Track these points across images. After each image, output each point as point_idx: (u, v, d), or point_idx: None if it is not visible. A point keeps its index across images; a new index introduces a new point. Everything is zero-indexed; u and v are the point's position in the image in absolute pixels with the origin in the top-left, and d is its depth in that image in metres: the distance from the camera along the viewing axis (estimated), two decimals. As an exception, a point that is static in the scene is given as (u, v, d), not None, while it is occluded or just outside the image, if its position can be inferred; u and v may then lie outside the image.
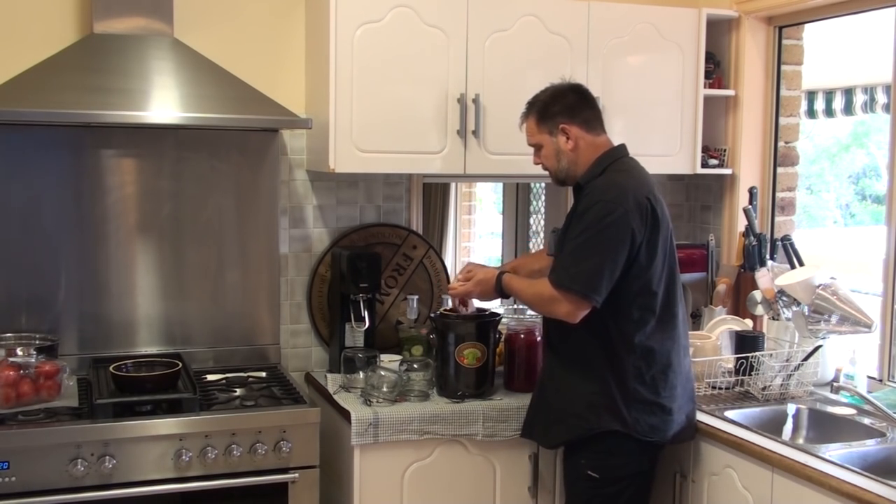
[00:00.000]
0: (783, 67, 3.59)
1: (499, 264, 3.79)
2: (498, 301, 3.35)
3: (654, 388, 2.59)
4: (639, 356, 2.57)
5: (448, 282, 3.52)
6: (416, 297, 3.33)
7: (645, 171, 2.68)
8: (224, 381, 3.03)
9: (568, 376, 2.65)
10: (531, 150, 3.18)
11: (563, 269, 2.54)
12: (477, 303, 3.02)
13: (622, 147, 2.69)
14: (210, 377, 3.07)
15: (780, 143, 3.61)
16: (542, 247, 4.09)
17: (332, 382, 3.09)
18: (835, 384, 3.04)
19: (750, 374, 2.96)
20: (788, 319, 3.12)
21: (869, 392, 2.86)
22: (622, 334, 2.56)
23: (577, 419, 2.61)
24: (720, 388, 2.98)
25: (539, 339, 3.00)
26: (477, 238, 5.13)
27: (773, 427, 2.71)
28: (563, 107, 2.64)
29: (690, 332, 3.10)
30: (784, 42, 3.58)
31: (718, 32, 3.57)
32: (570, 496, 2.75)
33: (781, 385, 2.95)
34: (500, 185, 4.61)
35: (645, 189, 2.57)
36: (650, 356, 2.58)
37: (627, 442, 2.58)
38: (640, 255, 2.52)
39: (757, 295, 3.23)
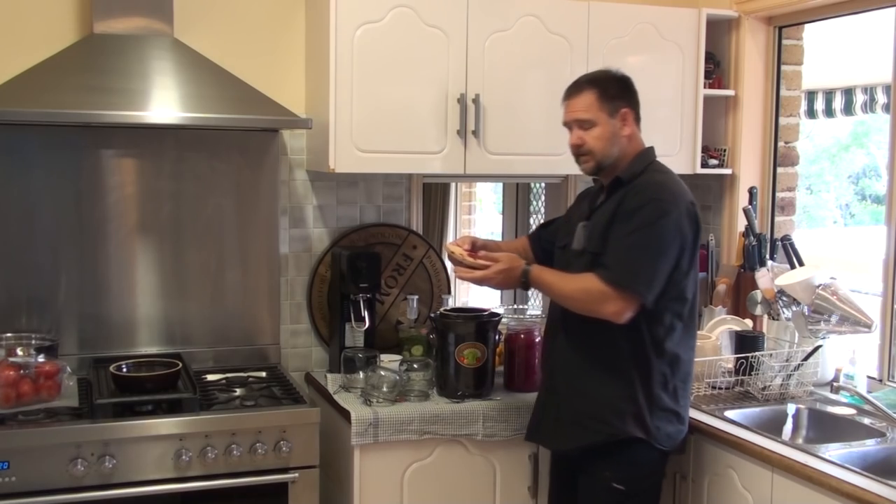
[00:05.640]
0: (783, 67, 3.59)
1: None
2: (498, 300, 3.35)
3: (675, 397, 2.54)
4: (666, 363, 2.51)
5: (448, 282, 3.52)
6: (416, 297, 3.33)
7: None
8: (224, 381, 3.03)
9: (591, 378, 2.53)
10: (531, 150, 3.20)
11: (620, 265, 2.41)
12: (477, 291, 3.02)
13: (654, 149, 2.64)
14: (210, 377, 3.06)
15: (780, 143, 3.61)
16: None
17: (332, 382, 3.09)
18: (835, 384, 3.04)
19: (750, 374, 2.96)
20: (788, 319, 3.12)
21: (869, 392, 2.86)
22: (654, 339, 2.48)
23: (601, 424, 2.50)
24: (720, 388, 2.98)
25: (538, 338, 2.99)
26: (477, 238, 5.13)
27: (773, 427, 2.71)
28: (630, 92, 2.57)
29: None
30: (784, 42, 3.58)
31: (718, 32, 3.57)
32: None
33: (781, 385, 2.95)
34: (500, 185, 4.61)
35: (689, 194, 2.53)
36: (676, 363, 2.53)
37: (651, 451, 2.52)
38: (682, 260, 2.46)
39: (757, 295, 3.24)
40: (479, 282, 2.64)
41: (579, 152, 2.57)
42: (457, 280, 3.98)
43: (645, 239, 2.42)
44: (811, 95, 5.33)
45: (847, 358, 3.06)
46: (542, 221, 3.88)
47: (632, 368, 2.49)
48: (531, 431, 2.73)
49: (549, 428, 2.66)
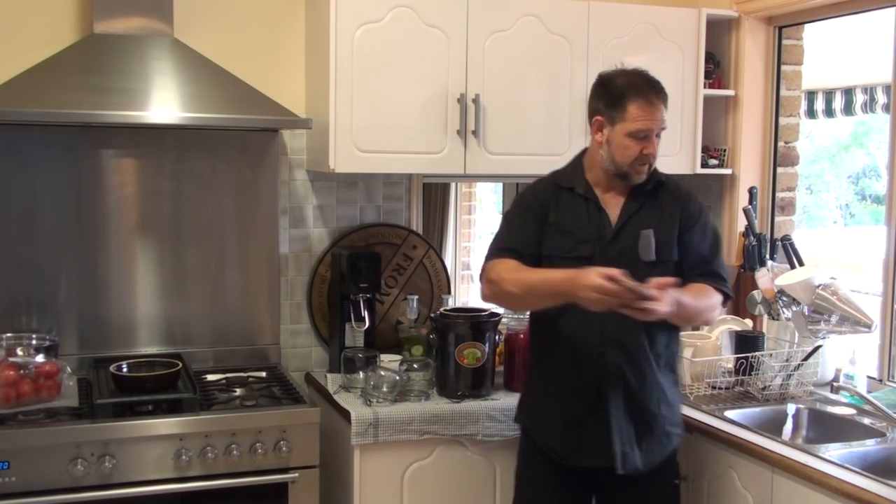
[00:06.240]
0: (783, 67, 3.59)
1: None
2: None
3: None
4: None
5: (448, 282, 3.52)
6: (416, 297, 3.33)
7: None
8: (224, 381, 3.03)
9: (668, 384, 2.50)
10: (531, 150, 3.22)
11: (725, 273, 2.52)
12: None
13: None
14: (210, 377, 3.06)
15: (780, 143, 3.61)
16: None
17: (332, 382, 3.09)
18: (835, 384, 3.04)
19: (750, 374, 2.96)
20: (788, 319, 3.12)
21: (869, 392, 2.86)
22: (679, 332, 2.61)
23: (679, 427, 2.55)
24: (720, 388, 2.98)
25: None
26: (477, 238, 5.13)
27: (773, 427, 2.71)
28: None
29: (690, 332, 3.12)
30: (784, 42, 3.58)
31: (718, 32, 3.57)
32: None
33: (781, 385, 2.95)
34: (500, 185, 4.61)
35: None
36: None
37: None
38: None
39: (757, 295, 3.23)
40: (672, 317, 2.26)
41: (647, 162, 2.42)
42: (457, 280, 3.98)
43: (719, 244, 2.58)
44: (811, 95, 5.33)
45: (847, 358, 3.06)
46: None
47: (678, 365, 2.64)
48: (622, 457, 2.42)
49: (637, 451, 2.44)
